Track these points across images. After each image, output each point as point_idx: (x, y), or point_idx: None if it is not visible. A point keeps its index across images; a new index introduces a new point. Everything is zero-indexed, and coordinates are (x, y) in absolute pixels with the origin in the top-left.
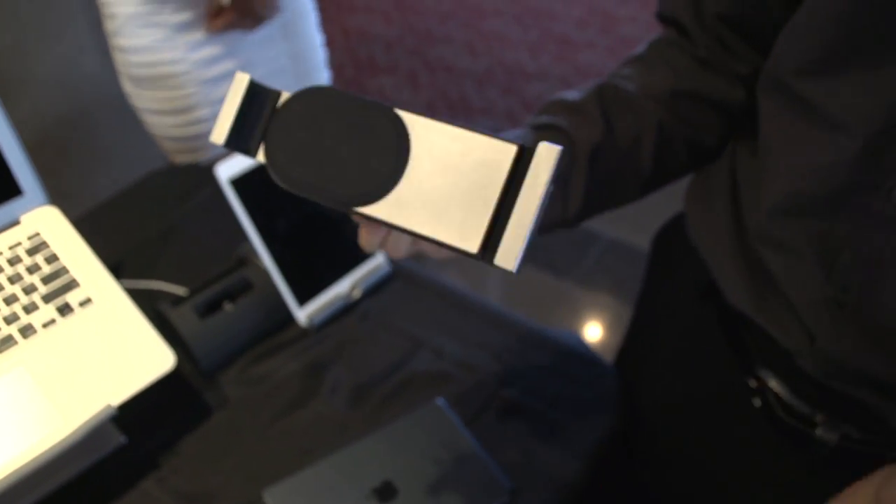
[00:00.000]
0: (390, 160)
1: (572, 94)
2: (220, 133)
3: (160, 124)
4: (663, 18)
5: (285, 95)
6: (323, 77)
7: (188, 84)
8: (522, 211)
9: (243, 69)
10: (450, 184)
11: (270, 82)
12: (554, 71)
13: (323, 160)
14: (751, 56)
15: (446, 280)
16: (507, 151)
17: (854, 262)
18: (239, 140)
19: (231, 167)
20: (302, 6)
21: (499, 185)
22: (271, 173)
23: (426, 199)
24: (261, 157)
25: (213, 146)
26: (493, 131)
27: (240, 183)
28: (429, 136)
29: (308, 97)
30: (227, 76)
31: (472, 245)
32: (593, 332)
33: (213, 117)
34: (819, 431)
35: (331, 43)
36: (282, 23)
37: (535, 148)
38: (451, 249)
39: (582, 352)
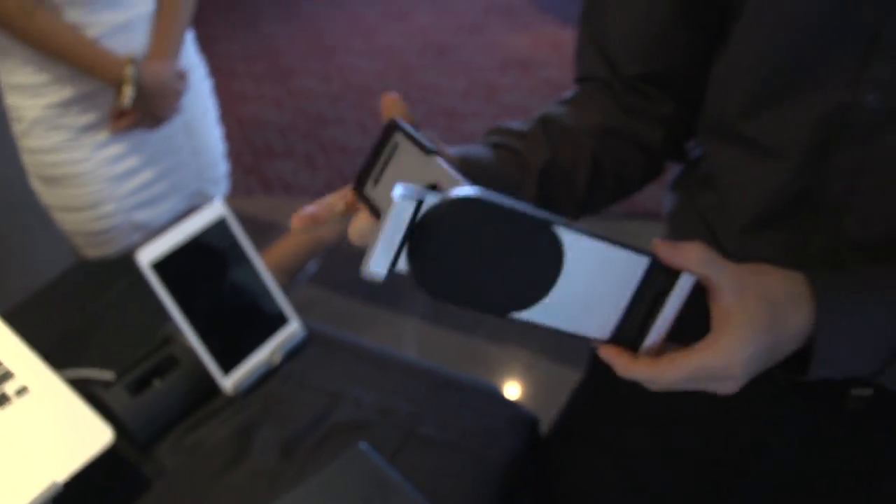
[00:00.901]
0: (546, 274)
1: (516, 124)
2: (378, 265)
3: (70, 221)
4: (584, 79)
5: (428, 202)
6: (223, 169)
7: (95, 181)
8: (666, 315)
9: (147, 166)
10: (592, 288)
11: (172, 177)
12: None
13: (475, 273)
14: (669, 102)
15: (360, 340)
16: (641, 261)
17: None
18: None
19: (151, 252)
20: (202, 104)
21: (633, 286)
22: (420, 285)
23: (571, 302)
24: (405, 267)
25: (122, 240)
26: (625, 243)
27: (160, 266)
28: (577, 248)
29: (452, 209)
30: (132, 172)
31: (605, 335)
32: (504, 382)
33: (120, 212)
34: (854, 391)
35: (227, 132)
36: (183, 120)
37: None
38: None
39: (489, 389)
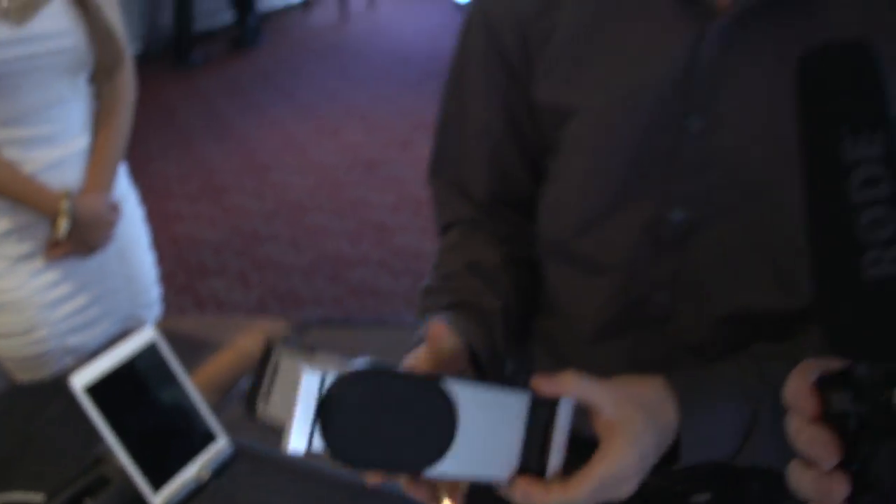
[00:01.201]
0: (446, 426)
1: (442, 280)
2: (298, 441)
3: (4, 346)
4: (452, 224)
5: (329, 379)
6: (156, 293)
7: (30, 308)
8: (559, 439)
9: (81, 292)
10: (490, 431)
11: (105, 302)
12: (373, 256)
13: (383, 438)
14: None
15: (284, 455)
16: (523, 398)
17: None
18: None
19: (84, 376)
20: (135, 231)
21: (524, 421)
22: (332, 458)
23: (476, 447)
24: (319, 444)
25: (55, 364)
26: (504, 380)
27: (93, 390)
28: (466, 398)
29: (350, 381)
30: (65, 298)
31: (509, 474)
32: None
33: (53, 337)
34: (694, 497)
35: (160, 251)
36: (116, 248)
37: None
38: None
39: (400, 493)
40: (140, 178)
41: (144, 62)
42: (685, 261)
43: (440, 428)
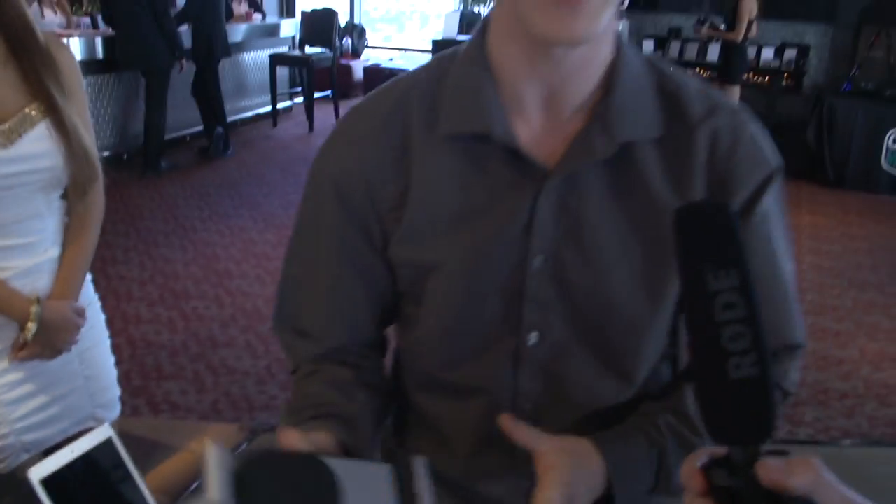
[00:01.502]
0: (332, 497)
1: (303, 398)
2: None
3: None
4: (299, 367)
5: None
6: (115, 394)
7: None
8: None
9: (42, 392)
10: (372, 499)
11: (65, 401)
12: None
13: None
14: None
15: None
16: (386, 468)
17: None
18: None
19: (41, 469)
20: (97, 335)
21: (394, 489)
22: None
23: None
24: None
25: (11, 459)
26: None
27: (48, 482)
28: (344, 472)
29: (257, 463)
30: (27, 397)
31: None
32: None
33: (13, 434)
34: None
35: (117, 353)
36: (79, 350)
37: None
38: None
39: None
40: (102, 279)
41: (114, 167)
42: (544, 372)
43: (329, 497)
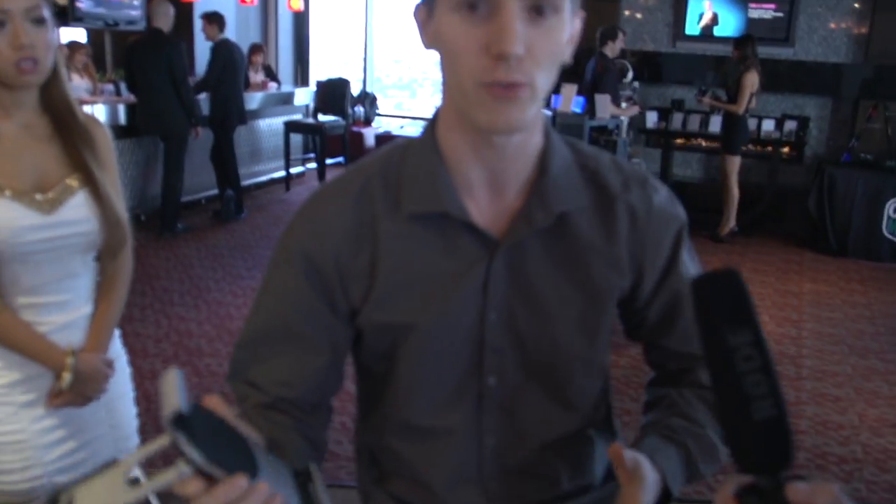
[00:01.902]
0: (251, 462)
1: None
2: (170, 409)
3: (1, 481)
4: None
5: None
6: (135, 442)
7: (28, 449)
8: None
9: (72, 437)
10: (278, 482)
11: (92, 447)
12: (335, 419)
13: (221, 451)
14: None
15: None
16: (287, 467)
17: None
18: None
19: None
20: (122, 386)
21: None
22: (193, 447)
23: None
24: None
25: (41, 501)
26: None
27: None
28: (261, 454)
29: (201, 408)
30: (59, 441)
31: None
32: None
33: (46, 475)
34: None
35: (139, 408)
36: (105, 400)
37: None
38: None
39: None
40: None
41: (132, 227)
42: (503, 409)
43: (250, 461)
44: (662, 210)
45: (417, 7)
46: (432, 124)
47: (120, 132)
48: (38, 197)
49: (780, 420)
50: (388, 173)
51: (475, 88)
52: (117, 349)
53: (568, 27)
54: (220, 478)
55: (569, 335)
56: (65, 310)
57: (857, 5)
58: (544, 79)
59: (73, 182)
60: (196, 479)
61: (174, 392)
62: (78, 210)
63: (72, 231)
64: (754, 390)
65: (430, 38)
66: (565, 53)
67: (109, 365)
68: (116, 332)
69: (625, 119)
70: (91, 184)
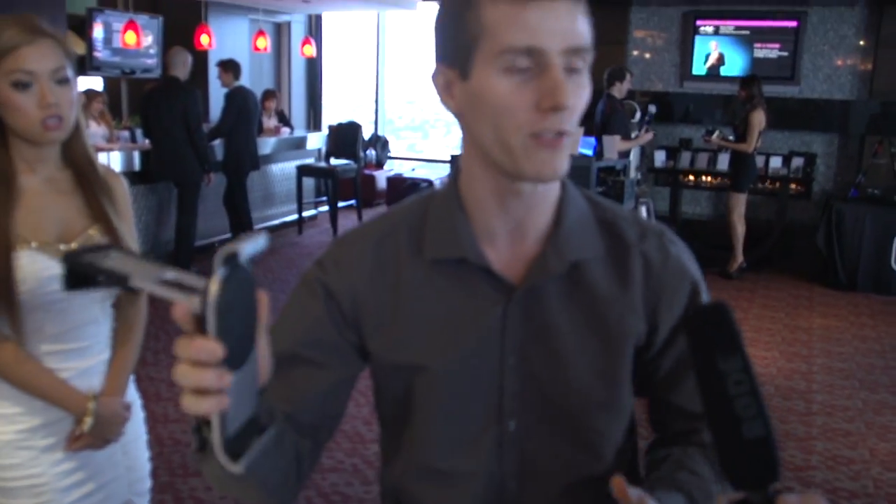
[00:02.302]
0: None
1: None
2: (235, 248)
3: None
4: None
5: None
6: (148, 485)
7: (48, 493)
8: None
9: (90, 479)
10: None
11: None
12: (346, 463)
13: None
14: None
15: None
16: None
17: None
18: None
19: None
20: (137, 430)
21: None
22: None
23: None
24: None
25: None
26: None
27: None
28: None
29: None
30: (78, 484)
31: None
32: None
33: None
34: None
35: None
36: (122, 443)
37: None
38: None
39: None
40: (134, 381)
41: None
42: (524, 453)
43: (241, 352)
44: (679, 261)
45: (438, 71)
46: (455, 176)
47: (134, 178)
48: (62, 248)
49: (768, 438)
50: (412, 221)
51: (524, 140)
52: (132, 394)
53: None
54: (209, 335)
55: (586, 380)
56: (85, 356)
57: (861, 43)
58: (578, 128)
59: (94, 232)
60: (189, 314)
61: (248, 244)
62: None
63: None
64: (745, 412)
65: (461, 99)
66: None
67: (127, 408)
68: (132, 378)
69: (633, 160)
70: (110, 233)
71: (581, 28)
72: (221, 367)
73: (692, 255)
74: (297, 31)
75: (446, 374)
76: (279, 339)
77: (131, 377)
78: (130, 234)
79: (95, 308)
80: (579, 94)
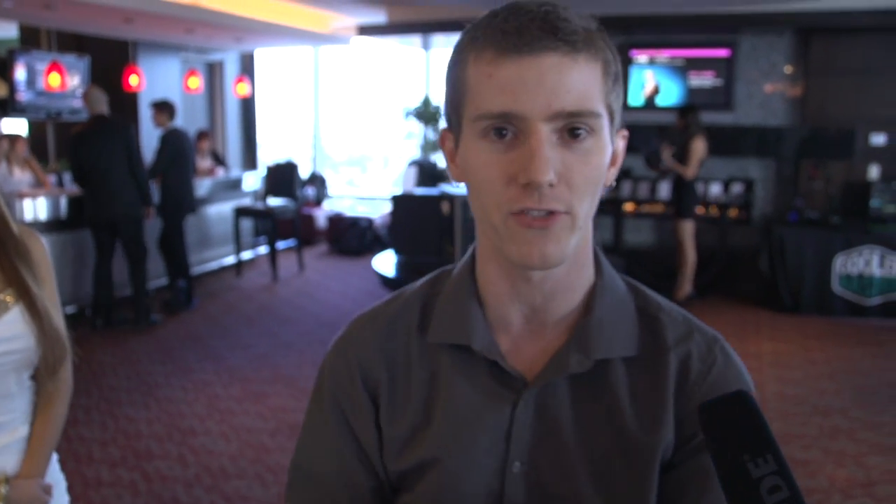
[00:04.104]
0: None
1: None
2: None
3: None
4: None
5: None
6: None
7: None
8: None
9: None
10: None
11: None
12: None
13: None
14: None
15: None
16: None
17: None
18: None
19: None
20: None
21: None
22: None
23: None
24: None
25: None
26: None
27: None
28: None
29: None
30: None
31: None
32: None
33: None
34: None
35: None
36: None
37: None
38: None
39: None
40: (62, 441)
41: (75, 323)
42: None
43: None
44: (724, 374)
45: (442, 136)
46: (471, 259)
47: (61, 225)
48: None
49: None
50: (428, 300)
51: (504, 220)
52: (55, 475)
53: (608, 148)
54: None
55: (592, 491)
56: None
57: (789, 69)
58: (586, 206)
59: (7, 297)
60: None
61: None
62: (12, 326)
63: (6, 348)
64: None
65: (458, 168)
66: (608, 177)
67: (48, 491)
68: (55, 457)
69: None
70: (27, 298)
71: (577, 86)
72: None
73: (744, 370)
74: (231, 70)
75: (452, 468)
76: (301, 450)
77: (54, 457)
78: (52, 300)
79: (10, 380)
80: (581, 165)
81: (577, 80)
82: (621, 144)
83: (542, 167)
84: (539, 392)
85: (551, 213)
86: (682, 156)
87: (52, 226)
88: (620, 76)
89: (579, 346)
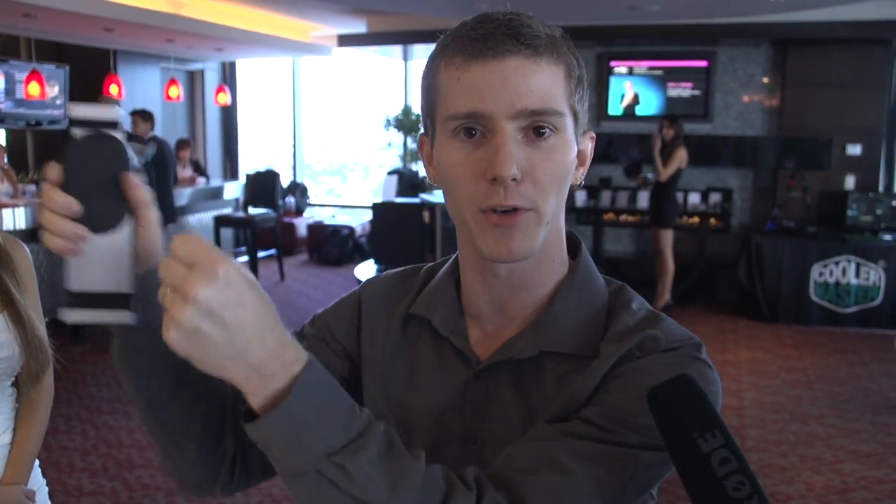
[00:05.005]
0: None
1: None
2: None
3: None
4: None
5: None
6: None
7: None
8: None
9: None
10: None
11: None
12: None
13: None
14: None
15: None
16: None
17: None
18: None
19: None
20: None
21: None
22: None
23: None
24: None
25: None
26: None
27: None
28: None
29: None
30: None
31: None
32: None
33: None
34: None
35: None
36: None
37: None
38: None
39: None
40: (43, 451)
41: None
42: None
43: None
44: (656, 361)
45: (420, 138)
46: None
47: (38, 235)
48: None
49: None
50: (431, 276)
51: (474, 216)
52: (38, 480)
53: (572, 146)
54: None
55: None
56: None
57: (766, 80)
58: (551, 202)
59: None
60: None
61: (98, 109)
62: None
63: None
64: (738, 493)
65: (435, 170)
66: (576, 175)
67: (30, 497)
68: (36, 463)
69: None
70: (10, 306)
71: (539, 86)
72: (80, 224)
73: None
74: (211, 79)
75: (422, 419)
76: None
77: (36, 462)
78: (35, 308)
79: None
80: (545, 162)
81: (540, 81)
82: (589, 145)
83: (507, 162)
84: (486, 370)
85: (516, 210)
86: (664, 160)
87: (33, 235)
88: (585, 80)
89: (530, 335)
